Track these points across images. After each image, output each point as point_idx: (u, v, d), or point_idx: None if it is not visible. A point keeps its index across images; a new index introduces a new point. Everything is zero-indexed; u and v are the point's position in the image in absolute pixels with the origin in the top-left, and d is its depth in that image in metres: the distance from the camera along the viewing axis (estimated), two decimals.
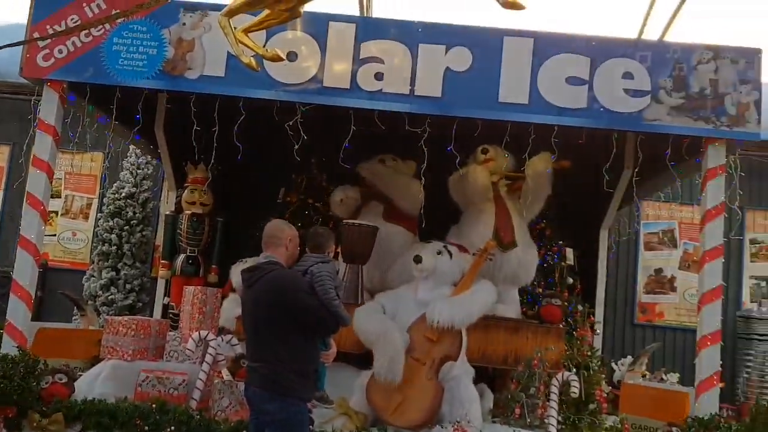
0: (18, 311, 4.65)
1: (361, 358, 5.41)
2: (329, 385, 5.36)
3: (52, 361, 5.33)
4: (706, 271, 4.61)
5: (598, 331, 7.02)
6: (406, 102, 4.74)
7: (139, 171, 8.01)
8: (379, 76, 4.74)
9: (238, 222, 7.27)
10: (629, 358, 7.45)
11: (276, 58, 4.07)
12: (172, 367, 4.99)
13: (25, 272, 4.68)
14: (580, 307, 7.00)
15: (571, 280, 7.11)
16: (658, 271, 8.61)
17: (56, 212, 8.86)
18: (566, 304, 6.97)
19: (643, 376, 7.18)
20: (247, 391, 3.94)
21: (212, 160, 5.28)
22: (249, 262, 6.36)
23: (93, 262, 7.87)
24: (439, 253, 5.17)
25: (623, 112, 4.70)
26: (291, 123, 4.70)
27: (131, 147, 7.97)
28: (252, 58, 4.19)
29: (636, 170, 6.06)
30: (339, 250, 6.21)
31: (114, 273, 7.61)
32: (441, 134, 4.88)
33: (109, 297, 7.48)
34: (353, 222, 5.89)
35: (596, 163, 5.13)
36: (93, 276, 7.68)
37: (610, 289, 8.24)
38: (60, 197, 8.89)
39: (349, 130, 4.89)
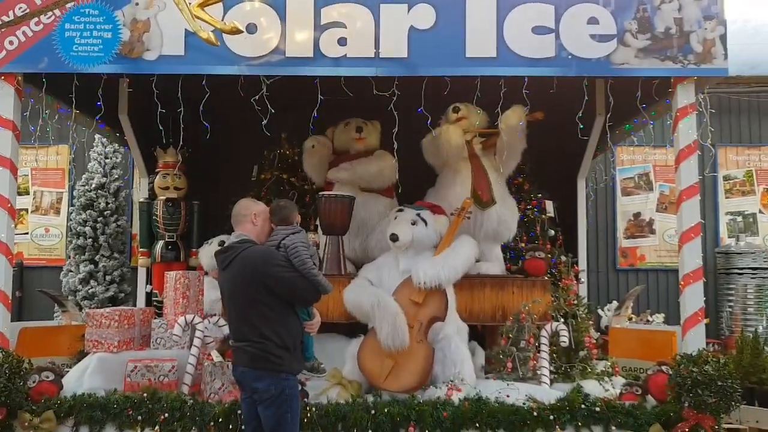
0: None
1: (350, 327, 5.41)
2: (321, 356, 5.38)
3: (38, 359, 5.27)
4: (684, 209, 4.63)
5: (582, 279, 7.07)
6: (372, 65, 4.64)
7: (107, 160, 7.85)
8: (342, 42, 4.63)
9: (215, 203, 7.17)
10: (615, 304, 7.55)
11: (235, 31, 3.96)
12: (160, 355, 4.93)
13: None
14: (563, 258, 7.06)
15: (552, 232, 7.15)
16: (637, 215, 8.68)
17: (26, 210, 8.67)
18: (549, 256, 7.03)
19: (629, 319, 7.29)
20: (235, 371, 3.93)
21: (180, 143, 5.14)
22: (214, 242, 6.34)
23: (69, 257, 7.75)
24: (413, 223, 5.12)
25: (591, 58, 4.65)
26: (257, 98, 4.59)
27: (97, 136, 7.81)
28: (211, 33, 4.08)
29: (608, 116, 6.07)
30: (317, 222, 6.18)
31: (92, 266, 7.50)
32: (410, 96, 4.81)
33: (90, 290, 7.39)
34: (329, 194, 5.83)
35: (569, 112, 5.10)
36: (71, 271, 7.56)
37: (591, 237, 8.32)
38: (29, 194, 8.70)
39: (316, 99, 4.79)
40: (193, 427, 4.42)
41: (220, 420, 4.39)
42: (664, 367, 4.49)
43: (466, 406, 4.41)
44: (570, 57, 4.64)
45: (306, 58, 4.65)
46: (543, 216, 7.10)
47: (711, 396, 4.01)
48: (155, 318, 5.34)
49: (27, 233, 8.67)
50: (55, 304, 7.08)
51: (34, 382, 4.53)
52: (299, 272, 3.84)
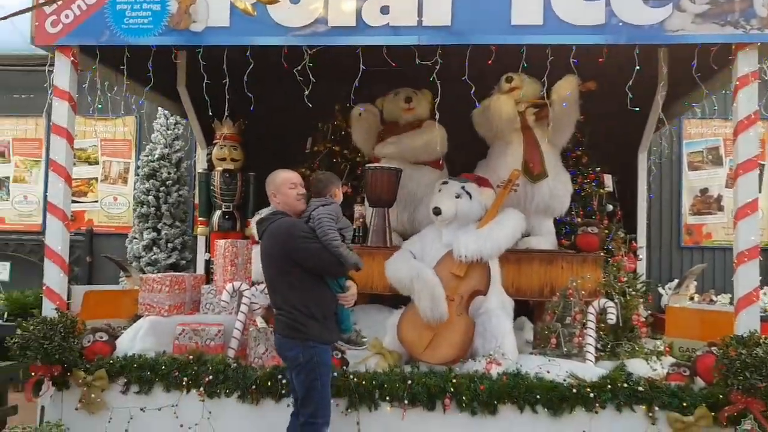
0: (54, 275, 4.79)
1: (396, 299, 5.43)
2: (366, 327, 5.45)
3: (99, 321, 5.55)
4: (741, 184, 4.38)
5: (641, 256, 6.83)
6: (415, 34, 4.57)
7: (169, 132, 8.08)
8: (384, 10, 4.56)
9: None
10: (676, 282, 7.27)
11: (272, 1, 3.97)
12: (208, 320, 5.10)
13: (56, 237, 4.80)
14: (621, 234, 6.85)
15: (611, 207, 6.92)
16: (704, 191, 8.29)
17: (96, 179, 9.07)
18: (606, 231, 6.83)
19: (691, 298, 7.01)
20: (275, 338, 4.03)
21: (226, 114, 5.21)
22: (264, 213, 6.44)
23: (135, 225, 8.06)
24: (457, 196, 5.03)
25: (643, 25, 4.42)
26: (299, 68, 4.60)
27: (160, 108, 8.04)
28: (248, 3, 4.10)
29: (668, 87, 5.79)
30: (364, 194, 6.19)
31: (155, 233, 7.78)
32: (459, 66, 4.70)
33: (152, 257, 7.68)
34: (375, 166, 5.82)
35: (627, 83, 4.89)
36: (135, 238, 7.88)
37: (654, 213, 8.02)
38: (98, 164, 9.08)
39: (368, 69, 4.73)
40: (236, 389, 4.56)
41: (262, 384, 4.51)
42: (713, 348, 4.31)
43: (504, 380, 4.37)
44: (621, 24, 4.42)
45: (349, 27, 4.61)
46: (601, 190, 6.89)
47: (760, 380, 3.82)
48: (206, 284, 5.50)
49: (97, 201, 9.07)
50: (120, 270, 7.39)
51: (88, 342, 4.77)
52: (322, 244, 3.86)
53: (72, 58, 4.84)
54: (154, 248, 7.71)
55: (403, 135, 6.03)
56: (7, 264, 8.87)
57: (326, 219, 3.90)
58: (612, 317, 4.93)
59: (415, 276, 4.77)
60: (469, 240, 4.82)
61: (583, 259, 5.48)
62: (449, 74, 4.70)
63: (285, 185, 4.06)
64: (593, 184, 6.88)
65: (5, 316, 7.40)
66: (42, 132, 9.18)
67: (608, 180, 6.97)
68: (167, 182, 7.87)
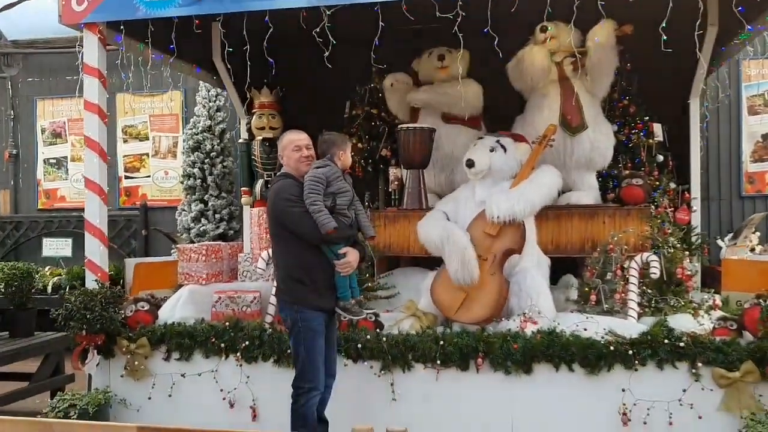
0: (94, 248, 4.94)
1: (433, 261, 5.36)
2: (405, 289, 5.42)
3: (148, 292, 5.72)
4: None
5: (695, 208, 6.50)
6: None
7: (211, 104, 8.17)
8: None
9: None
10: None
11: None
12: (245, 287, 5.17)
13: (94, 212, 4.94)
14: (672, 185, 6.55)
15: (661, 158, 6.61)
16: (766, 136, 7.81)
17: (147, 154, 9.30)
18: (657, 183, 6.54)
19: (752, 249, 6.68)
20: None
21: (247, 80, 5.17)
22: None
23: (183, 197, 8.25)
24: (492, 150, 4.89)
25: None
26: (318, 30, 4.52)
27: (200, 81, 8.12)
28: None
29: (719, 23, 5.42)
30: (399, 156, 6.11)
31: (202, 205, 7.95)
32: (496, 18, 4.49)
33: (201, 228, 7.85)
34: (408, 126, 5.71)
35: (678, 24, 4.58)
36: (184, 210, 8.06)
37: (712, 161, 7.63)
38: (148, 140, 9.30)
39: (406, 29, 4.56)
40: (272, 354, 4.63)
41: None
42: (761, 300, 4.07)
43: (538, 338, 4.27)
44: None
45: None
46: (650, 141, 6.58)
47: None
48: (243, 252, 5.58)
49: (149, 176, 9.31)
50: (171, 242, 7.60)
51: (131, 311, 4.92)
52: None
53: (99, 35, 4.91)
54: (203, 219, 7.87)
55: (437, 84, 5.91)
56: (69, 240, 9.24)
57: (310, 182, 3.83)
58: (656, 271, 4.72)
59: (446, 237, 4.68)
60: (501, 200, 4.69)
61: (628, 212, 5.26)
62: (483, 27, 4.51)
63: (289, 147, 4.03)
64: (641, 134, 6.59)
65: (67, 289, 7.73)
66: None
67: (658, 129, 6.64)
68: (211, 154, 7.99)
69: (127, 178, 9.40)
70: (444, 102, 5.83)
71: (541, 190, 4.79)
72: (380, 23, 4.50)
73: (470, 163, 4.90)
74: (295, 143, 4.07)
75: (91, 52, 4.91)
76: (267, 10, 4.67)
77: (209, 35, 6.45)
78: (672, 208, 5.69)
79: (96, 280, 4.85)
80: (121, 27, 4.90)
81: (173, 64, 6.17)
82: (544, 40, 5.64)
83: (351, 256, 4.00)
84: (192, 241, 7.82)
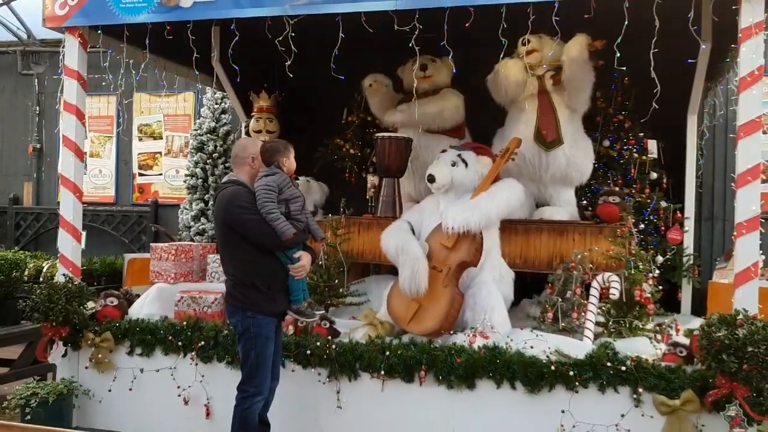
0: (66, 243, 5.13)
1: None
2: (375, 298, 5.45)
3: (141, 287, 5.90)
4: (742, 148, 3.98)
5: (686, 228, 6.34)
6: None
7: (216, 106, 8.35)
8: None
9: (304, 146, 7.36)
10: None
11: None
12: (211, 288, 5.29)
13: (68, 207, 5.12)
14: (663, 204, 6.41)
15: (655, 175, 6.48)
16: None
17: (160, 153, 9.57)
18: (648, 200, 6.42)
19: None
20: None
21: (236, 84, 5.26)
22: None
23: (186, 196, 8.46)
24: (453, 164, 4.90)
25: None
26: (281, 38, 4.59)
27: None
28: None
29: (713, 39, 5.27)
30: (376, 164, 6.15)
31: (203, 204, 8.12)
32: (474, 30, 4.46)
33: (200, 227, 8.02)
34: (385, 135, 5.75)
35: (674, 40, 4.49)
36: (185, 208, 8.26)
37: (710, 181, 7.41)
38: (162, 139, 9.57)
39: (406, 38, 4.57)
40: (227, 356, 4.72)
41: None
42: (706, 326, 3.96)
43: (482, 353, 4.25)
44: None
45: None
46: (644, 157, 6.46)
47: (736, 363, 3.49)
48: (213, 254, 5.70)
49: (161, 174, 9.57)
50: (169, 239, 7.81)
51: (100, 306, 5.09)
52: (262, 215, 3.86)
53: (79, 39, 5.09)
54: (202, 218, 8.04)
55: (414, 102, 5.92)
56: (83, 233, 9.54)
57: (263, 190, 3.88)
58: (615, 292, 4.64)
59: (400, 247, 4.71)
60: (457, 212, 4.69)
61: (599, 230, 5.19)
62: (465, 38, 4.51)
63: (260, 157, 4.09)
64: (634, 150, 6.46)
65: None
66: (113, 109, 9.78)
67: (653, 145, 6.51)
68: (213, 155, 8.16)
69: (140, 175, 9.69)
70: (421, 121, 5.82)
71: (498, 203, 4.76)
72: (340, 35, 4.54)
73: (431, 179, 4.91)
74: (247, 150, 4.14)
75: (72, 54, 5.10)
76: (234, 18, 4.76)
77: (208, 39, 6.62)
78: (663, 227, 5.58)
79: (65, 275, 5.03)
80: (99, 31, 5.06)
81: (169, 67, 6.36)
82: (525, 53, 5.59)
83: (305, 260, 4.08)
84: (192, 239, 8.01)
